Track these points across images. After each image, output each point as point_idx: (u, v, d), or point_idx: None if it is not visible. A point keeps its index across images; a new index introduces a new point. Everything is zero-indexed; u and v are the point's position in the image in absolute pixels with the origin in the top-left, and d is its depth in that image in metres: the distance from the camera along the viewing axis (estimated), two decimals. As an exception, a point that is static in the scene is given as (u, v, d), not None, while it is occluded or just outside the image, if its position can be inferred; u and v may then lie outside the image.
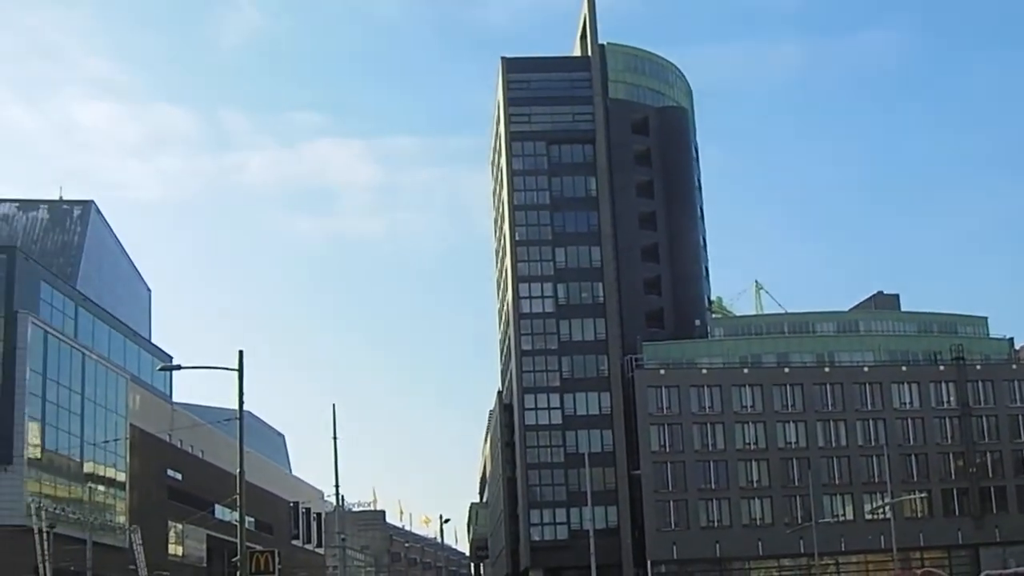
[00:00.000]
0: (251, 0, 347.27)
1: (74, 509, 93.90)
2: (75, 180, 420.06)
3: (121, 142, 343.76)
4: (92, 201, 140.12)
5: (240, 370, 55.79)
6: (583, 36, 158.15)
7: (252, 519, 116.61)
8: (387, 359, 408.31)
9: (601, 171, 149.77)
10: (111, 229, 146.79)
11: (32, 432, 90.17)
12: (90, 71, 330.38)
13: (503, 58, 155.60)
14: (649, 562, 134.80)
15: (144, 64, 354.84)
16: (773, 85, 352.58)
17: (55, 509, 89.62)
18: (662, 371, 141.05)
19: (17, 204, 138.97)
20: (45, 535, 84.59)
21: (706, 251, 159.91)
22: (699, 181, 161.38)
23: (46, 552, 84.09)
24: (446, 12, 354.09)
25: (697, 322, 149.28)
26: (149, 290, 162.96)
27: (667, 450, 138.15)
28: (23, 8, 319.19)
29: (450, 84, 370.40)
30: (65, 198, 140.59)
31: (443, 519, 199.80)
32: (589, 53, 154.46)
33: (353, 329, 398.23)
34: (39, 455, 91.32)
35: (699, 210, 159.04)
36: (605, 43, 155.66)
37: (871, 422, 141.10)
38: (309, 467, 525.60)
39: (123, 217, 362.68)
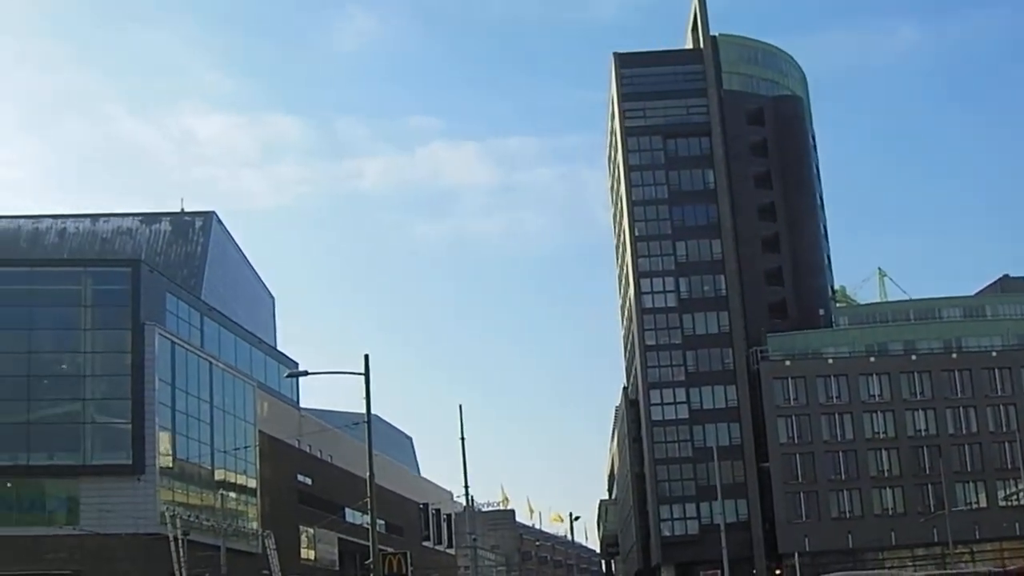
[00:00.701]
0: (363, 7, 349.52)
1: (207, 516, 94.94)
2: (196, 192, 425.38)
3: (240, 153, 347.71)
4: (213, 212, 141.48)
5: (367, 374, 56.08)
6: (694, 28, 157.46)
7: (383, 522, 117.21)
8: (511, 358, 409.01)
9: (718, 163, 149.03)
10: (233, 239, 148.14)
11: (163, 442, 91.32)
12: (206, 84, 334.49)
13: (615, 54, 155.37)
14: (781, 555, 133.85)
15: (259, 75, 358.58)
16: (890, 69, 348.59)
17: (189, 517, 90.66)
18: (787, 362, 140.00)
19: (140, 218, 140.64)
20: (180, 542, 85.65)
21: (827, 240, 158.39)
22: (817, 169, 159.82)
23: (181, 559, 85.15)
24: (555, 10, 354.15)
25: (821, 312, 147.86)
26: (272, 298, 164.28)
27: (795, 441, 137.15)
28: (139, 25, 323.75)
29: (562, 82, 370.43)
30: (186, 210, 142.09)
31: (573, 517, 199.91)
32: (701, 45, 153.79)
33: (476, 330, 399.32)
34: (171, 464, 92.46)
35: (818, 198, 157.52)
36: (717, 34, 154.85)
37: (1002, 408, 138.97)
38: (437, 468, 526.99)
39: (244, 226, 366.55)
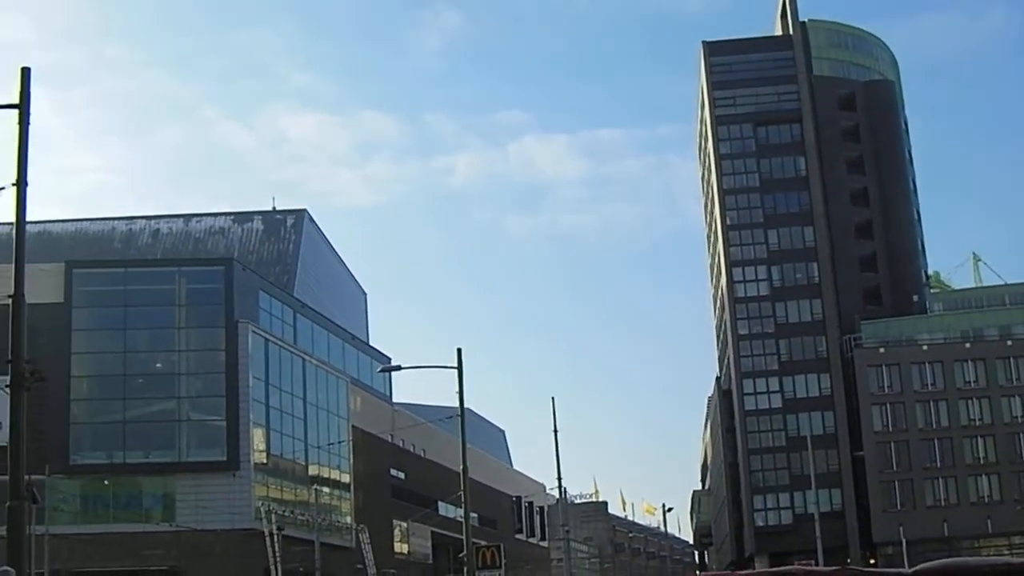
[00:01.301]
0: (451, 4, 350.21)
1: (301, 511, 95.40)
2: (287, 191, 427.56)
3: (330, 151, 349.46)
4: (305, 210, 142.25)
5: (459, 368, 56.13)
6: (783, 15, 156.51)
7: (476, 515, 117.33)
8: (603, 350, 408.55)
9: (810, 149, 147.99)
10: (324, 236, 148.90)
11: (257, 438, 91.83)
12: (296, 84, 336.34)
13: (704, 42, 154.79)
14: (875, 544, 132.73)
15: (348, 74, 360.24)
16: (981, 52, 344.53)
17: (283, 512, 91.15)
18: (882, 349, 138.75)
19: (232, 217, 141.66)
20: (275, 538, 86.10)
21: (921, 225, 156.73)
22: (910, 155, 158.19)
23: (276, 554, 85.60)
24: (641, 1, 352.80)
25: (915, 298, 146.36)
26: (364, 293, 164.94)
27: (890, 429, 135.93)
28: (228, 28, 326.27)
29: (651, 72, 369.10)
30: (278, 208, 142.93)
31: (666, 508, 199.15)
32: (791, 31, 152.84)
33: (568, 322, 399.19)
34: (265, 460, 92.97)
35: (912, 183, 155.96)
36: (806, 20, 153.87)
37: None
38: (530, 461, 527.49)
39: (336, 224, 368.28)
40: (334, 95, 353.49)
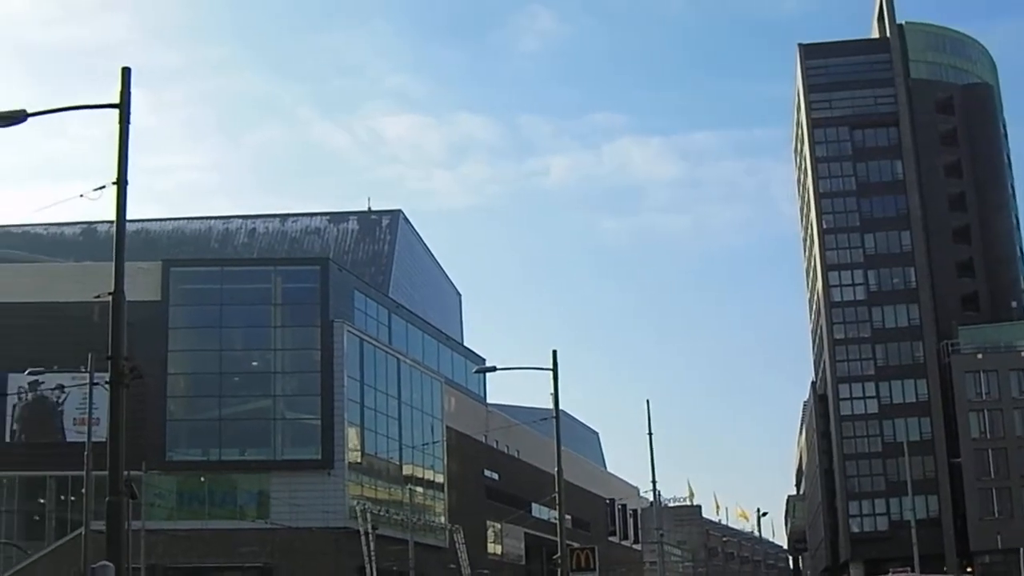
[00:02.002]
0: (546, 7, 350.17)
1: (395, 511, 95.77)
2: (382, 192, 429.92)
3: (426, 152, 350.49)
4: (400, 210, 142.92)
5: (555, 370, 56.17)
6: (880, 17, 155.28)
7: (569, 516, 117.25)
8: (697, 352, 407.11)
9: (907, 153, 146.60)
10: (419, 236, 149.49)
11: (352, 437, 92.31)
12: (392, 85, 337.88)
13: (800, 45, 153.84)
14: (972, 552, 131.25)
15: (444, 76, 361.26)
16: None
17: (378, 511, 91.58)
18: (979, 355, 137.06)
19: (328, 217, 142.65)
20: (369, 537, 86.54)
21: (1020, 231, 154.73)
22: (1009, 159, 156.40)
23: (371, 553, 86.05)
24: (736, 3, 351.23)
25: (1014, 304, 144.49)
26: (459, 294, 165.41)
27: (988, 436, 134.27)
28: (323, 30, 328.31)
29: (746, 75, 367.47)
30: (373, 209, 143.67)
31: (760, 513, 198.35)
32: (887, 34, 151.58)
33: (661, 323, 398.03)
34: (359, 459, 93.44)
35: (1010, 189, 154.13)
36: (903, 22, 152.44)
37: None
38: (624, 463, 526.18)
39: (431, 225, 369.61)
40: (429, 96, 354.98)
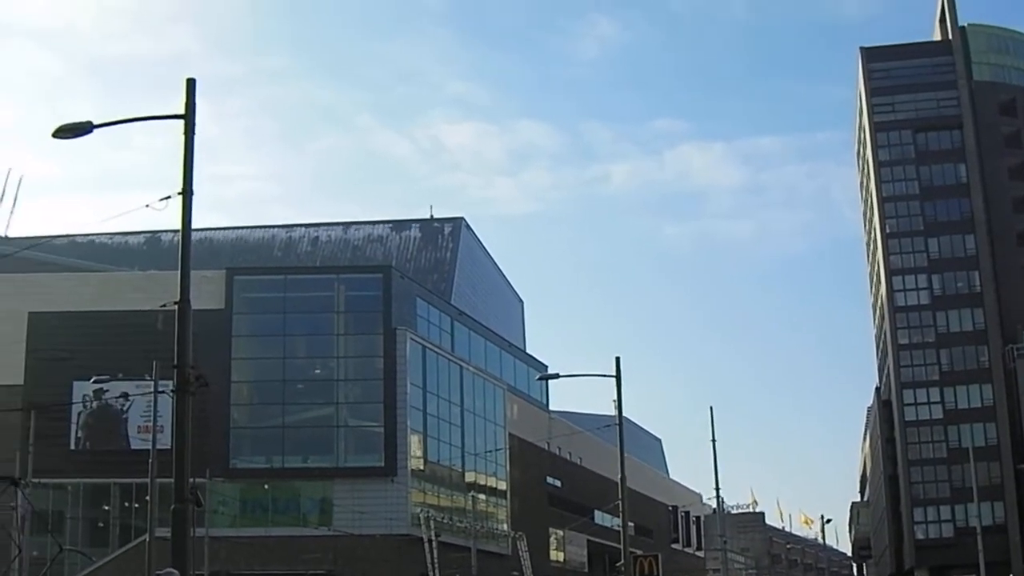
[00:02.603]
0: (605, 14, 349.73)
1: (458, 518, 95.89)
2: (444, 199, 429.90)
3: (487, 160, 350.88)
4: (462, 218, 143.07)
5: (618, 376, 56.16)
6: (942, 19, 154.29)
7: (632, 524, 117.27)
8: (760, 357, 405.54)
9: (970, 156, 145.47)
10: (481, 244, 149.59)
11: (415, 444, 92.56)
12: (453, 93, 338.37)
13: (862, 48, 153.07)
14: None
15: (505, 83, 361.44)
16: None
17: (441, 518, 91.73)
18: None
19: (390, 225, 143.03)
20: (432, 544, 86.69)
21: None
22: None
23: (434, 560, 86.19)
24: (799, 7, 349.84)
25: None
26: (521, 301, 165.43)
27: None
28: (383, 38, 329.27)
29: (809, 79, 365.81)
30: (435, 216, 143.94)
31: (824, 519, 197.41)
32: (950, 36, 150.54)
33: (724, 329, 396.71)
34: (422, 466, 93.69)
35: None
36: (966, 24, 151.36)
37: None
38: (687, 470, 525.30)
39: (492, 232, 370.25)
40: (490, 104, 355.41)
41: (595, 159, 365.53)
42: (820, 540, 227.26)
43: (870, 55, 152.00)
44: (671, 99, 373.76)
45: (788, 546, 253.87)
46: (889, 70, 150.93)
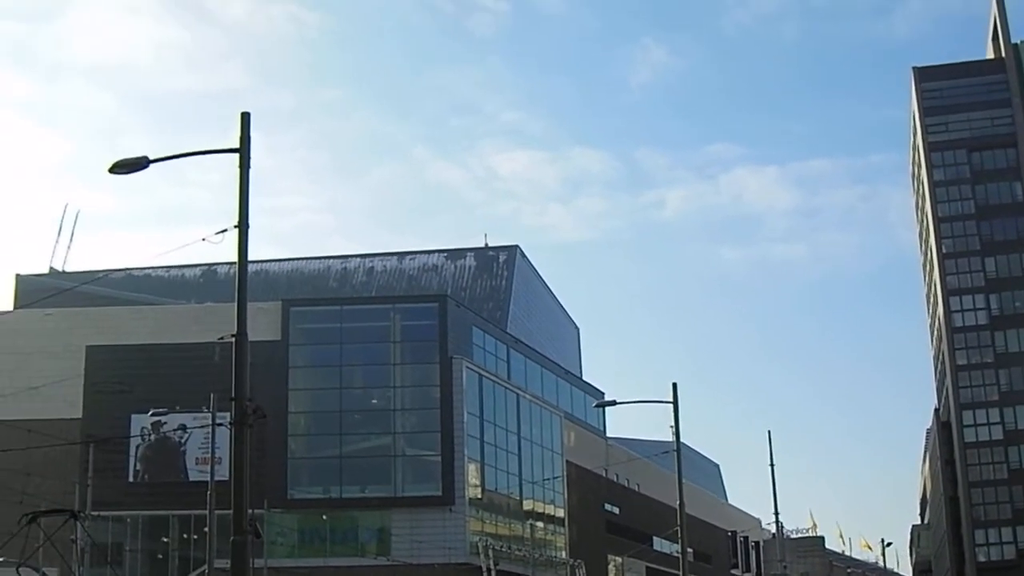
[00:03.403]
0: (657, 40, 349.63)
1: (516, 546, 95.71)
2: (499, 228, 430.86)
3: (541, 187, 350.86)
4: (517, 246, 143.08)
5: (675, 402, 55.98)
6: (994, 37, 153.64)
7: (691, 550, 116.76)
8: (817, 380, 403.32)
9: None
10: (536, 271, 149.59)
11: (472, 473, 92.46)
12: (506, 122, 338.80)
13: (914, 68, 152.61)
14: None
15: (557, 111, 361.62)
16: None
17: (499, 547, 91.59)
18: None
19: (445, 254, 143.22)
20: (491, 572, 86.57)
21: None
22: None
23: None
24: (848, 29, 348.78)
25: None
26: (577, 328, 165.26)
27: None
28: (436, 69, 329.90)
29: (862, 101, 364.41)
30: (490, 244, 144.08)
31: (884, 542, 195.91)
32: (1002, 54, 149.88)
33: (781, 352, 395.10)
34: (480, 495, 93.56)
35: None
36: (1018, 42, 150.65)
37: None
38: (745, 495, 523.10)
39: (547, 259, 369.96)
40: (543, 131, 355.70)
41: (649, 185, 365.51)
42: (881, 564, 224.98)
43: (923, 75, 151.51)
44: (724, 123, 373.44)
45: (848, 570, 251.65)
46: (942, 89, 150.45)
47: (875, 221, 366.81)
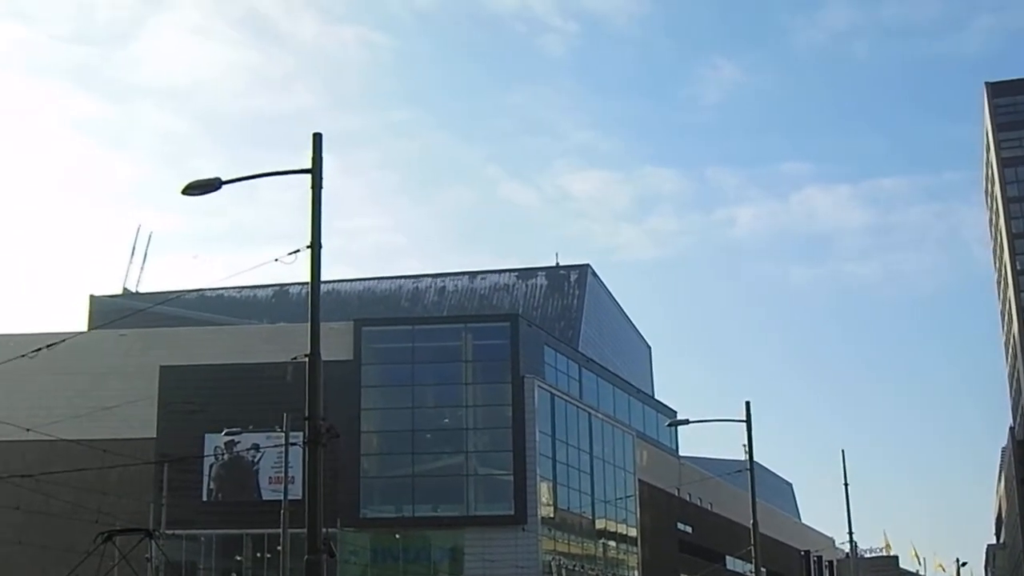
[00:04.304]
0: (728, 58, 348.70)
1: (589, 565, 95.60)
2: (570, 247, 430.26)
3: (612, 207, 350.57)
4: (588, 264, 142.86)
5: (748, 421, 55.82)
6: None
7: (764, 569, 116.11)
8: (891, 399, 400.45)
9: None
10: (608, 290, 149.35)
11: (544, 492, 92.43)
12: (577, 141, 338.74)
13: (987, 83, 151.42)
14: None
15: (629, 130, 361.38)
16: None
17: (572, 566, 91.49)
18: None
19: (516, 273, 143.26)
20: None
21: None
22: None
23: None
24: (919, 45, 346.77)
25: None
26: (649, 347, 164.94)
27: None
28: (509, 88, 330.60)
29: (934, 117, 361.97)
30: (561, 263, 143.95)
31: (960, 562, 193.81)
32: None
33: (856, 372, 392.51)
34: (552, 514, 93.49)
35: None
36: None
37: None
38: (818, 514, 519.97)
39: (618, 278, 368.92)
40: (615, 151, 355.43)
41: (721, 203, 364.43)
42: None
43: (995, 90, 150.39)
44: (795, 141, 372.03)
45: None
46: (1016, 104, 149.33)
47: (949, 239, 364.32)
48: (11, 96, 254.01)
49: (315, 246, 28.35)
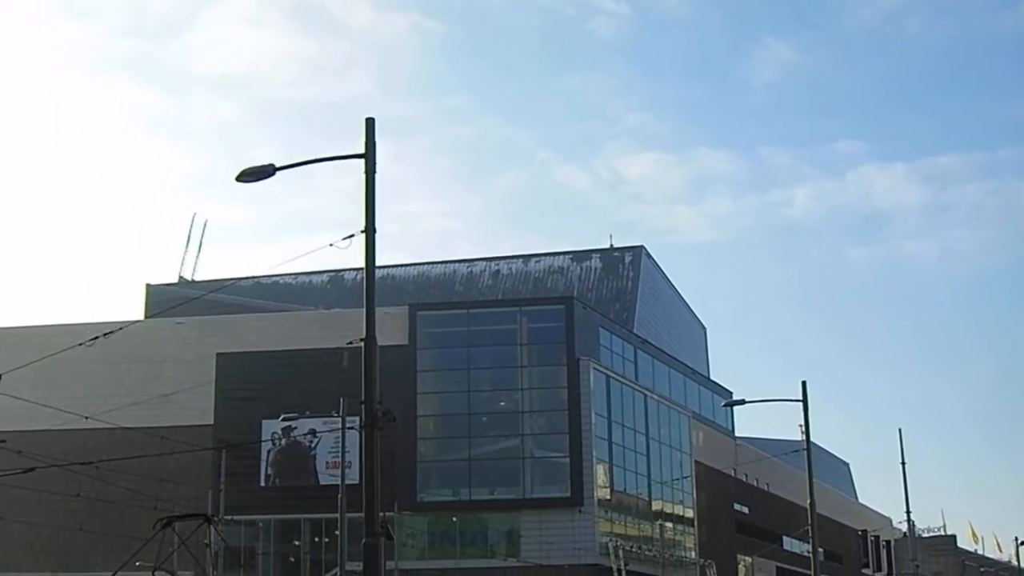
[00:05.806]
0: (780, 37, 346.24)
1: (646, 546, 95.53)
2: (624, 230, 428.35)
3: (667, 189, 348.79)
4: (642, 246, 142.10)
5: (804, 401, 55.65)
6: None
7: (822, 549, 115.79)
8: (947, 378, 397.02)
9: None
10: (663, 272, 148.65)
11: (600, 474, 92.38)
12: (631, 124, 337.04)
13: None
14: None
15: (682, 112, 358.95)
16: None
17: (628, 547, 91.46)
18: None
19: (570, 256, 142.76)
20: (622, 573, 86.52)
21: None
22: None
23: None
24: (971, 22, 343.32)
25: None
26: (704, 328, 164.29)
27: None
28: (561, 72, 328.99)
29: (990, 94, 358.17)
30: (615, 246, 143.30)
31: (1019, 541, 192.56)
32: None
33: (910, 351, 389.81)
34: (608, 496, 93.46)
35: None
36: None
37: None
38: (876, 493, 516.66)
39: (674, 260, 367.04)
40: (668, 133, 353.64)
41: (776, 184, 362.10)
42: (1015, 563, 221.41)
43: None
44: (850, 120, 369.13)
45: (982, 569, 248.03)
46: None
47: (1005, 217, 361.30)
48: (72, 91, 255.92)
49: (369, 231, 28.42)
